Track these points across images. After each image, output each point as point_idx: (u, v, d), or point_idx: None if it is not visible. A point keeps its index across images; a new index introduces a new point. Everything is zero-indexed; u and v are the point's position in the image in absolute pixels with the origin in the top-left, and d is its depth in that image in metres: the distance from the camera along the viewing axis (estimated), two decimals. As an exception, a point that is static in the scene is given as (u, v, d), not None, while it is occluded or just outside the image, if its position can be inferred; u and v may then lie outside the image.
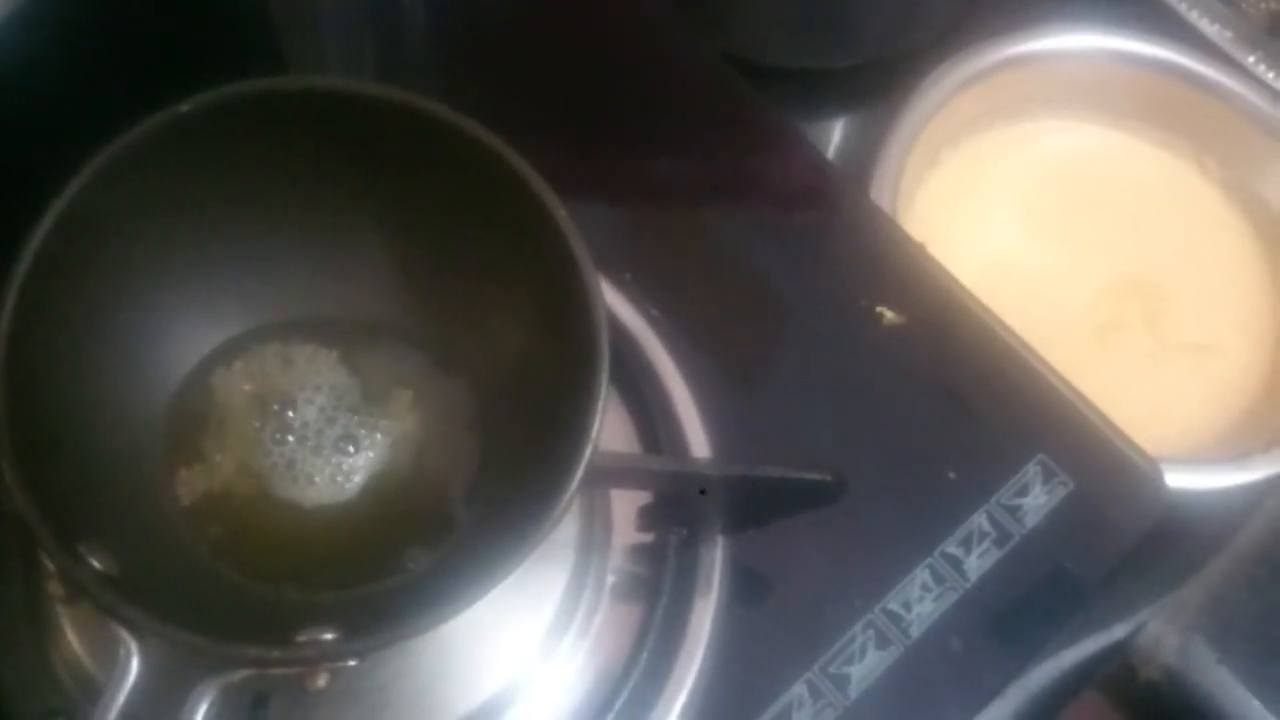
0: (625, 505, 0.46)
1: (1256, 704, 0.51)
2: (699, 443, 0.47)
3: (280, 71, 0.53)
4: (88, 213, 0.36)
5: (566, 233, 0.38)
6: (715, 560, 0.45)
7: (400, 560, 0.40)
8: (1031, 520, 0.48)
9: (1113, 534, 0.49)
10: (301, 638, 0.34)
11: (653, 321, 0.49)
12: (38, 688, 0.41)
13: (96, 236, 0.37)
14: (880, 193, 0.61)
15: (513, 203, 0.39)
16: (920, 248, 0.53)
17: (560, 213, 0.38)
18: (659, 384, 0.48)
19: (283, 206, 0.41)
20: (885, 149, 0.63)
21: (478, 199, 0.40)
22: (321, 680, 0.34)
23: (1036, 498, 0.48)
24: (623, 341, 0.48)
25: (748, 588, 0.46)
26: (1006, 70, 0.67)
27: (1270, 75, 0.69)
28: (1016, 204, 0.67)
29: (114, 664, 0.34)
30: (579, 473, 0.36)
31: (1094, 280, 0.65)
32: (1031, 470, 0.49)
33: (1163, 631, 0.55)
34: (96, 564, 0.34)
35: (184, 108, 0.37)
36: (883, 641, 0.45)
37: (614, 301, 0.49)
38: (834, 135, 0.69)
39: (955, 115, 0.66)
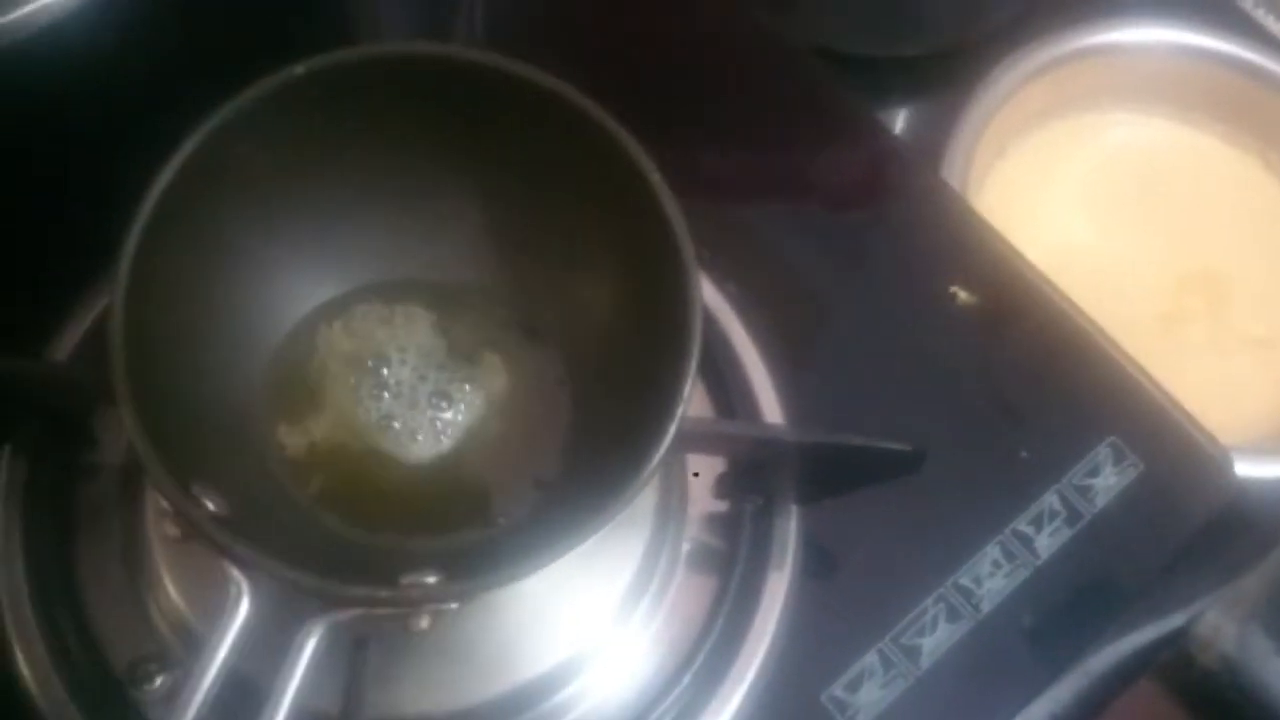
0: (702, 473, 0.47)
1: (1313, 694, 0.52)
2: (773, 413, 0.48)
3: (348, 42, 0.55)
4: (205, 166, 0.37)
5: (662, 197, 0.39)
6: (789, 531, 0.46)
7: (493, 512, 0.41)
8: (1102, 501, 0.48)
9: (1181, 517, 0.49)
10: (405, 580, 0.35)
11: (730, 297, 0.50)
12: (134, 634, 0.42)
13: (212, 190, 0.38)
14: (949, 182, 0.62)
15: (607, 168, 0.40)
16: (993, 230, 0.54)
17: (655, 176, 0.39)
18: (735, 357, 0.49)
19: (383, 170, 0.42)
20: (954, 138, 0.64)
21: (573, 164, 0.41)
22: (424, 622, 0.35)
23: (1107, 479, 0.49)
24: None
25: (821, 559, 0.46)
26: (1074, 62, 0.67)
27: (1337, 73, 0.69)
28: (1083, 195, 0.67)
29: (224, 602, 0.35)
30: (669, 436, 0.37)
31: (1159, 272, 0.65)
32: (1103, 451, 0.49)
33: (1221, 621, 0.55)
34: (210, 505, 0.35)
35: (299, 70, 0.38)
36: (954, 615, 0.46)
37: (693, 273, 0.50)
38: (903, 122, 0.70)
39: (1023, 106, 0.67)
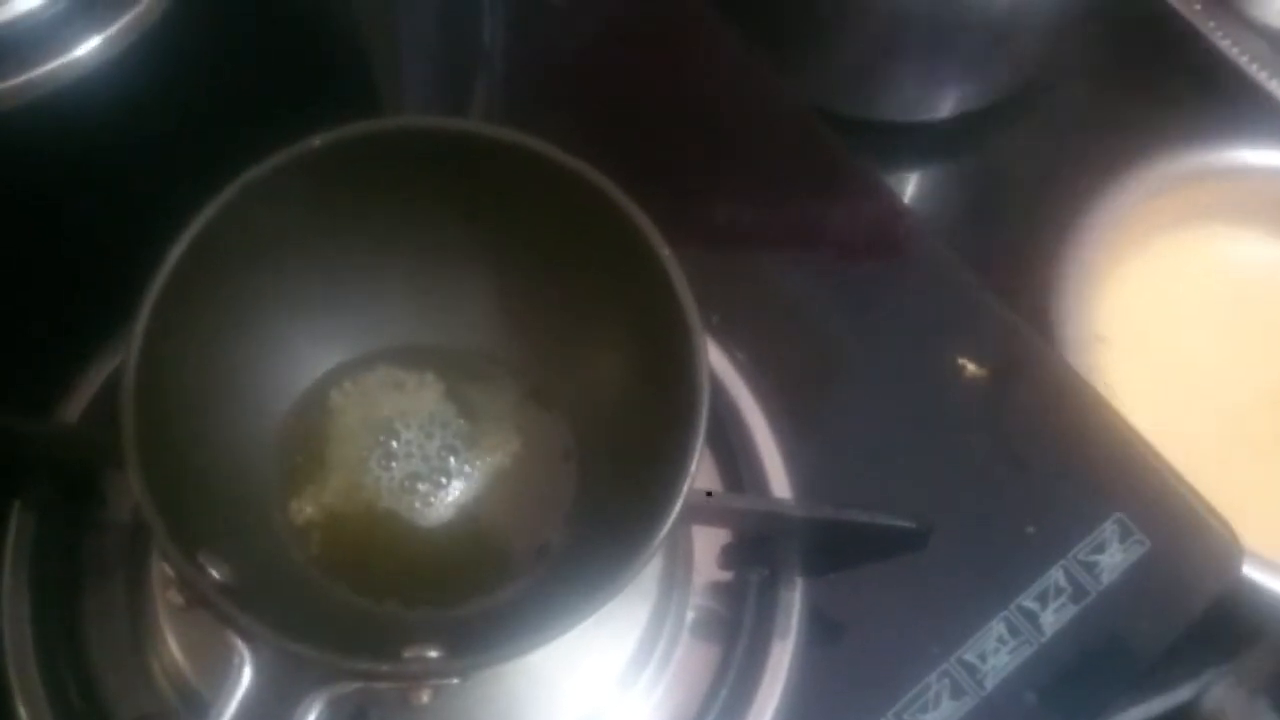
0: (707, 543, 0.47)
1: (1320, 770, 0.51)
2: (780, 484, 0.48)
3: (371, 113, 0.55)
4: (220, 235, 0.38)
5: (671, 274, 0.39)
6: (794, 602, 0.46)
7: (497, 583, 0.41)
8: (1108, 578, 0.48)
9: (1187, 595, 0.49)
10: (407, 654, 0.35)
11: (738, 364, 0.51)
12: (137, 692, 0.43)
13: (227, 258, 0.39)
14: (1064, 291, 0.63)
15: (616, 240, 0.40)
16: (1002, 301, 0.54)
17: (665, 252, 0.39)
18: (743, 425, 0.49)
19: (397, 239, 0.43)
20: (1071, 249, 0.65)
21: (586, 237, 0.41)
22: (426, 696, 0.35)
23: (1113, 555, 0.49)
24: (711, 384, 0.48)
25: (825, 630, 0.46)
26: (1192, 181, 0.68)
27: None
28: (1197, 309, 0.68)
29: (226, 672, 0.35)
30: (676, 509, 0.37)
31: (1266, 389, 0.65)
32: (1109, 528, 0.49)
33: (1228, 695, 0.55)
34: (215, 574, 0.35)
35: (315, 142, 0.39)
36: (957, 691, 0.46)
37: (701, 342, 0.50)
38: (911, 188, 0.71)
39: (1140, 221, 0.67)
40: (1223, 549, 0.50)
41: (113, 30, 0.56)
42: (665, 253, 0.40)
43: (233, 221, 0.38)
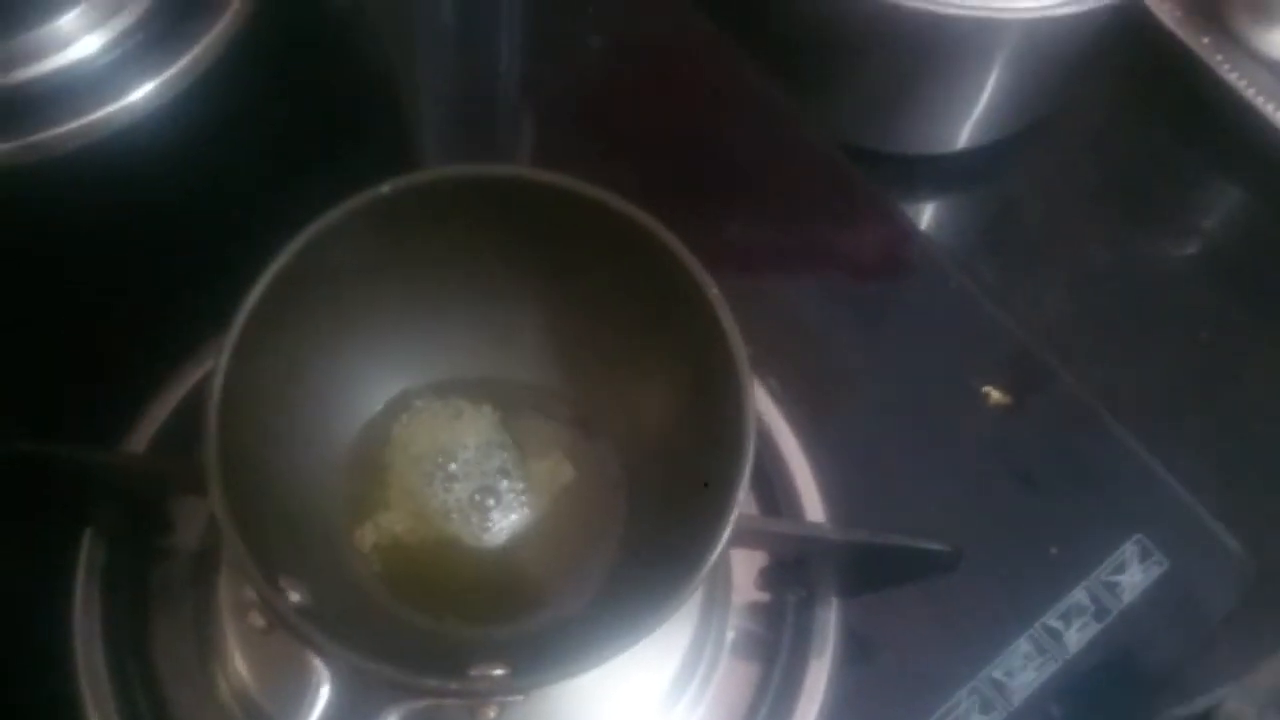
0: (745, 565, 0.49)
1: (1331, 781, 0.53)
2: (814, 507, 0.50)
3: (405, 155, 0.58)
4: (296, 274, 0.40)
5: (720, 311, 0.41)
6: (830, 622, 0.48)
7: (552, 604, 0.43)
8: (1129, 597, 0.50)
9: (1204, 611, 0.51)
10: (474, 672, 0.37)
11: (773, 393, 0.53)
12: (205, 712, 0.44)
13: (300, 297, 0.41)
14: None
15: (665, 279, 0.43)
16: (1023, 333, 0.57)
17: (714, 292, 0.42)
18: (777, 450, 0.51)
19: (455, 277, 0.45)
20: None
21: (637, 276, 0.43)
22: (492, 712, 0.37)
23: (1133, 575, 0.51)
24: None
25: (860, 649, 0.48)
26: None
27: None
28: None
29: (302, 691, 0.37)
30: (725, 535, 0.39)
31: None
32: (1129, 549, 0.51)
33: (1241, 706, 0.57)
34: (294, 596, 0.37)
35: (384, 189, 0.41)
36: (986, 707, 0.48)
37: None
38: (927, 216, 0.73)
39: None
40: (1237, 567, 0.52)
41: (167, 75, 0.58)
42: (713, 292, 0.42)
43: (309, 260, 0.40)
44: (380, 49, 0.65)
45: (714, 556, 0.39)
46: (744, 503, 0.49)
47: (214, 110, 0.58)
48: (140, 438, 0.48)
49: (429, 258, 0.44)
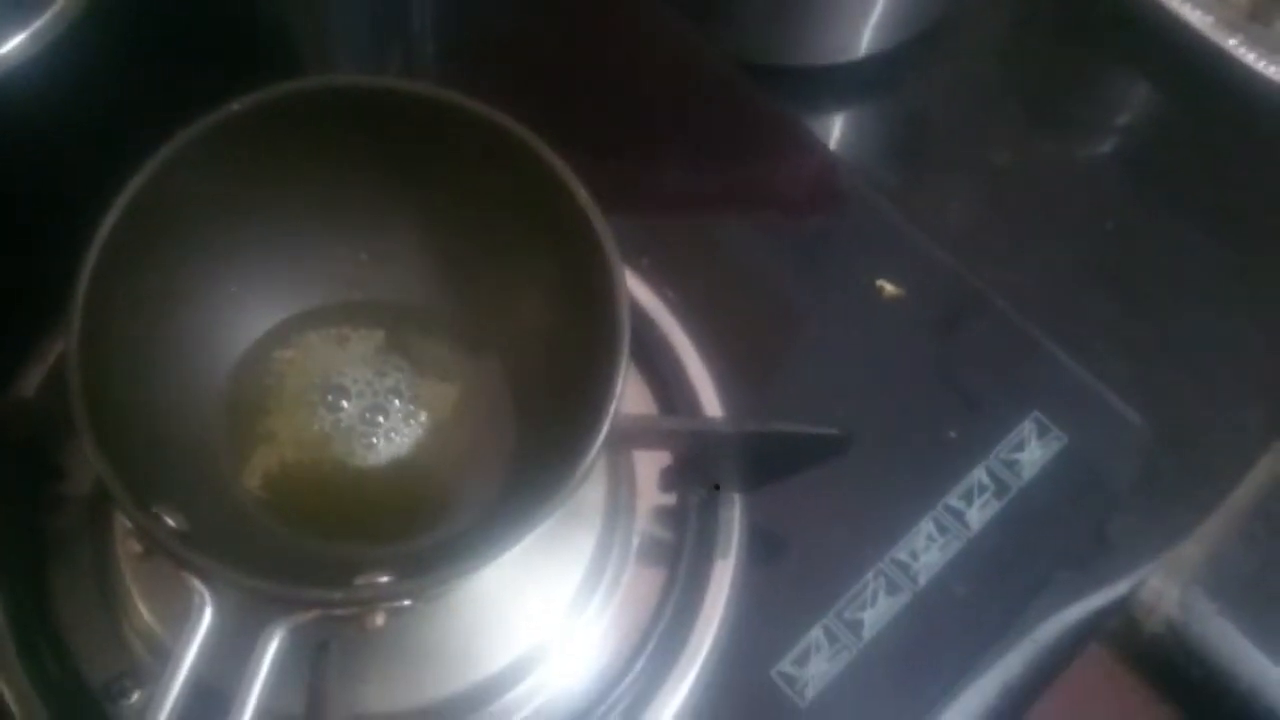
0: (648, 470, 0.49)
1: (1256, 651, 0.54)
2: (712, 406, 0.50)
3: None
4: (150, 205, 0.40)
5: (589, 212, 0.41)
6: (734, 520, 0.48)
7: (449, 515, 0.43)
8: (1028, 473, 0.51)
9: (1104, 484, 0.52)
10: (360, 580, 0.37)
11: (668, 301, 0.53)
12: (108, 652, 0.44)
13: (159, 226, 0.40)
14: None
15: (540, 189, 0.42)
16: (914, 228, 0.57)
17: (583, 193, 0.41)
18: (675, 356, 0.51)
19: (327, 198, 0.45)
20: None
21: (505, 184, 0.43)
22: (380, 619, 0.37)
23: (1032, 452, 0.51)
24: (641, 319, 0.51)
25: (765, 544, 0.49)
26: None
27: None
28: None
29: (188, 612, 0.37)
30: (604, 429, 0.39)
31: None
32: (1027, 427, 0.52)
33: (1164, 586, 0.57)
34: (171, 523, 0.37)
35: (235, 106, 0.40)
36: (893, 588, 0.48)
37: (632, 283, 0.51)
38: (835, 128, 0.73)
39: None
40: (1135, 438, 0.52)
41: (37, 26, 0.57)
42: (582, 192, 0.42)
43: (160, 190, 0.40)
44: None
45: (594, 449, 0.39)
46: (641, 406, 0.50)
47: (89, 57, 0.57)
48: (28, 383, 0.48)
49: (296, 178, 0.44)
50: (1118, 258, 0.69)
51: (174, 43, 0.58)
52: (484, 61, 0.62)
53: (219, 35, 0.58)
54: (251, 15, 0.60)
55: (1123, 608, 0.57)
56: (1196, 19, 0.73)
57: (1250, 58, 0.71)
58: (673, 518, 0.49)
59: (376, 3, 0.65)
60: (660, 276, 0.54)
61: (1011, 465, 0.51)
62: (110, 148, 0.53)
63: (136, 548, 0.38)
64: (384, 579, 0.37)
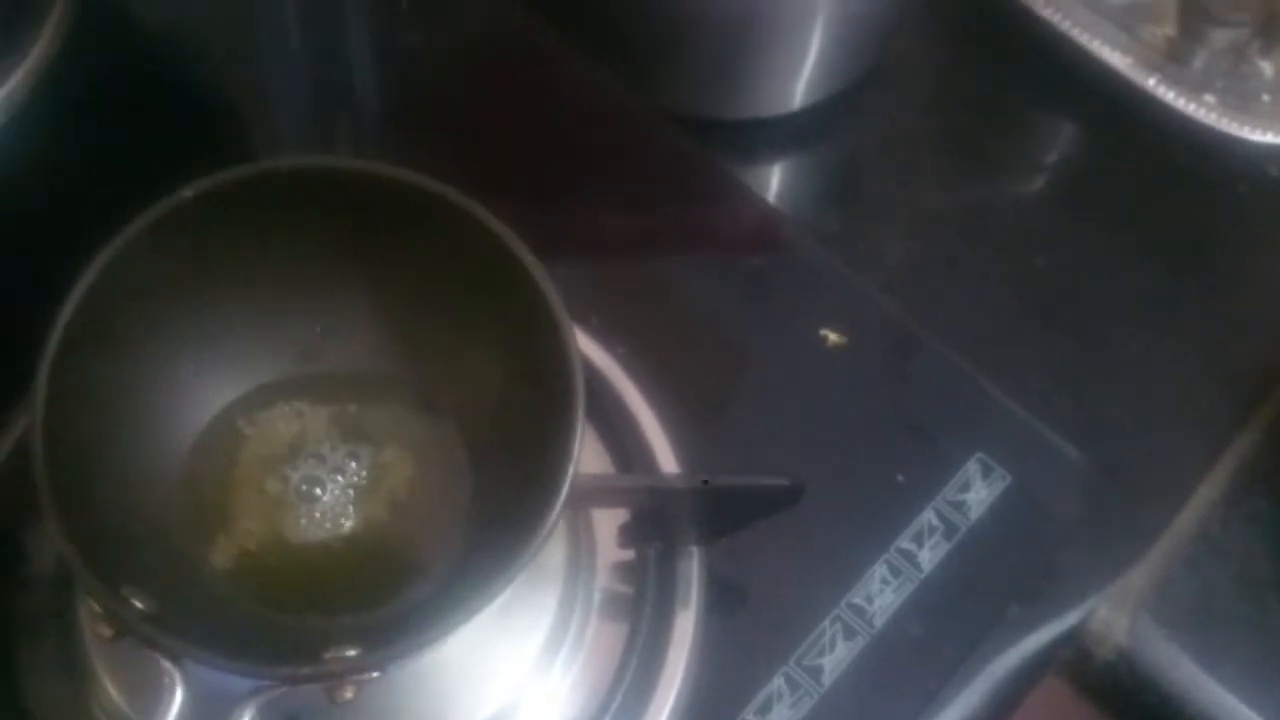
0: (607, 526, 0.50)
1: (1204, 675, 0.55)
2: (668, 462, 0.51)
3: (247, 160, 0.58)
4: (108, 288, 0.40)
5: (537, 277, 0.42)
6: (693, 572, 0.49)
7: (408, 586, 0.44)
8: (976, 513, 0.52)
9: (1049, 517, 0.54)
10: (328, 655, 0.38)
11: (619, 358, 0.54)
12: (76, 733, 0.44)
13: (117, 309, 0.41)
14: None
15: (486, 255, 0.43)
16: (854, 277, 0.58)
17: (529, 258, 0.43)
18: (628, 413, 0.53)
19: (278, 273, 0.45)
20: None
21: (454, 253, 0.44)
22: (349, 691, 0.38)
23: (978, 492, 0.53)
24: (593, 376, 0.52)
25: (724, 595, 0.50)
26: None
27: None
28: None
29: (158, 692, 0.37)
30: (563, 492, 0.40)
31: None
32: (971, 467, 0.53)
33: (1112, 615, 0.59)
34: (139, 604, 0.37)
35: (187, 192, 0.41)
36: (849, 633, 0.50)
37: (583, 341, 0.52)
38: (773, 179, 0.74)
39: None
40: (1075, 473, 0.54)
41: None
42: (529, 258, 0.43)
43: (117, 274, 0.40)
44: (208, 64, 0.65)
45: (555, 512, 0.40)
46: (597, 465, 0.51)
47: (39, 138, 0.57)
48: (-10, 461, 0.48)
49: (249, 257, 0.44)
50: (1052, 291, 0.71)
51: (121, 124, 0.58)
52: (426, 126, 0.63)
53: (168, 118, 0.59)
54: (200, 96, 0.61)
55: (1074, 638, 0.58)
56: (1117, 59, 0.76)
57: (1170, 95, 0.74)
58: (632, 572, 0.50)
59: (320, 75, 0.66)
60: (610, 333, 0.55)
61: (959, 506, 0.52)
62: (59, 229, 0.54)
63: (106, 631, 0.38)
64: (351, 652, 0.38)
